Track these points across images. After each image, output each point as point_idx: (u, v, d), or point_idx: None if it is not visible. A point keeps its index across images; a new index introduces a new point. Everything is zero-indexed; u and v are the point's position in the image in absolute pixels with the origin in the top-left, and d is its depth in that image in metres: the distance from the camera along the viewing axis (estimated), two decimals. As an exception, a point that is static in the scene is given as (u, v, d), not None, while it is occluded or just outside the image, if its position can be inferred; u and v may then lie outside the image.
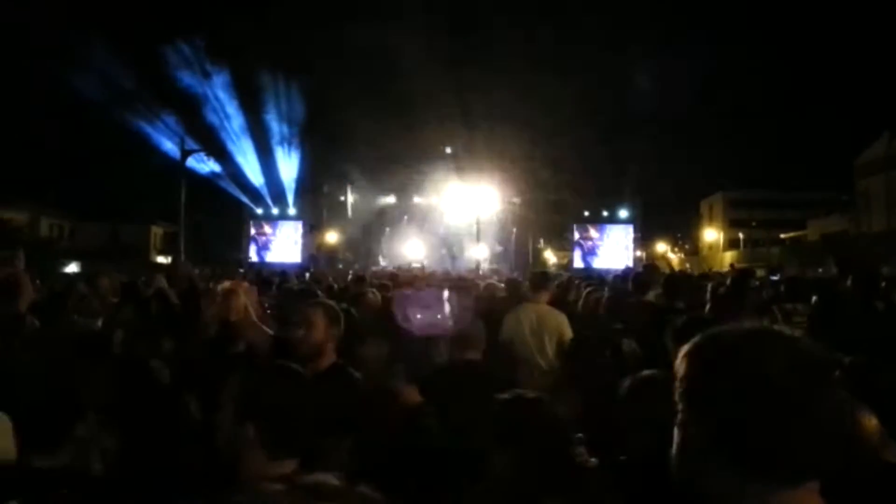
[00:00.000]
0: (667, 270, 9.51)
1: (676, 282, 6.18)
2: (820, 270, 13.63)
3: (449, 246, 34.42)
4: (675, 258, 63.47)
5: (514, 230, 33.96)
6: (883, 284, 6.28)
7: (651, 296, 6.37)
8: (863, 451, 1.81)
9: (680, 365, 1.13)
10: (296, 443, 1.89)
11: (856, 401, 1.89)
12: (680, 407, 1.12)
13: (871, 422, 1.91)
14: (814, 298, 5.46)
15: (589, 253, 32.01)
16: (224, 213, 36.41)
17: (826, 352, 1.09)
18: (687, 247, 72.03)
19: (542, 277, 6.32)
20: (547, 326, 5.52)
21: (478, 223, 32.23)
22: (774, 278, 7.40)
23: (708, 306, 5.40)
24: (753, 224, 63.55)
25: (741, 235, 61.02)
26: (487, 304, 7.30)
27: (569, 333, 5.48)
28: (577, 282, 9.44)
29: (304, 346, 3.16)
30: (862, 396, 2.16)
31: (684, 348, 1.14)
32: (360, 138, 30.49)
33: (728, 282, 6.48)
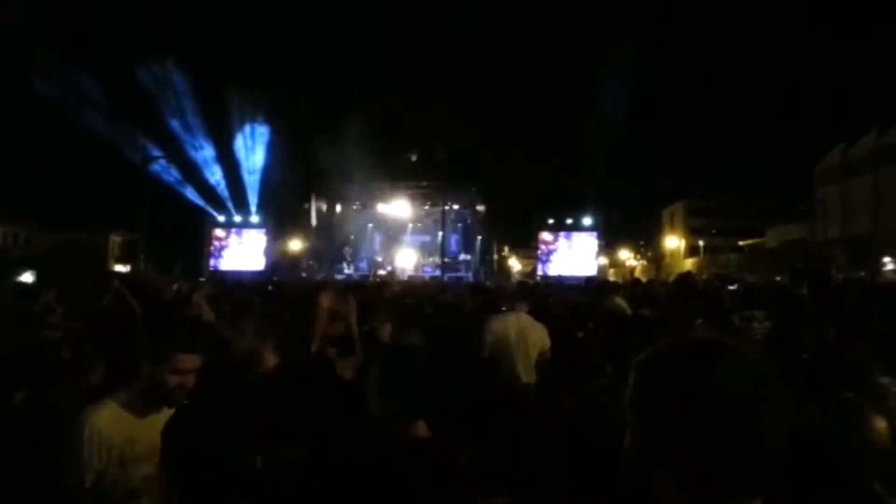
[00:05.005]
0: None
1: (640, 289, 6.25)
2: (778, 278, 13.89)
3: (413, 254, 34.29)
4: (637, 265, 64.31)
5: (479, 238, 33.98)
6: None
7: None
8: (879, 458, 1.77)
9: (630, 373, 1.14)
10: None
11: (867, 406, 1.86)
12: (628, 413, 1.12)
13: (880, 423, 1.85)
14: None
15: (554, 261, 32.20)
16: (185, 221, 35.88)
17: (773, 366, 1.08)
18: (650, 254, 73.00)
19: (525, 287, 6.49)
20: (531, 337, 5.56)
21: (443, 231, 32.23)
22: (732, 287, 7.45)
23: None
24: (713, 231, 64.81)
25: (701, 243, 62.09)
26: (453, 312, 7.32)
27: (549, 344, 5.56)
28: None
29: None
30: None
31: (637, 357, 1.14)
32: (323, 146, 30.26)
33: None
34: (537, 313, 6.15)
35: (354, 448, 2.51)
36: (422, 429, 2.39)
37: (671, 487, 1.04)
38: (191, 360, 2.59)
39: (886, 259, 29.35)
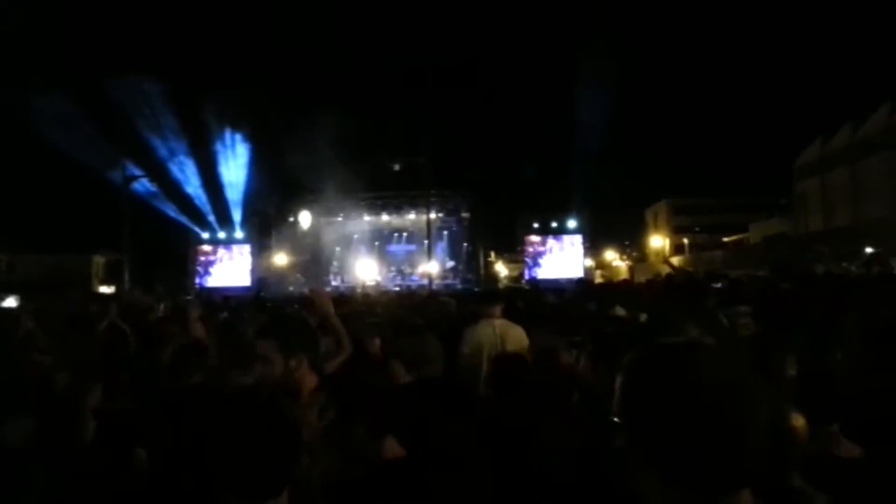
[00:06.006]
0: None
1: (613, 290, 6.32)
2: (762, 273, 14.06)
3: (399, 263, 34.27)
4: (623, 265, 64.57)
5: (465, 245, 34.02)
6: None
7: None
8: (792, 451, 1.87)
9: (617, 375, 1.18)
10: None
11: (785, 404, 1.96)
12: (615, 415, 1.16)
13: (798, 422, 1.97)
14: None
15: (541, 264, 32.29)
16: (169, 239, 35.67)
17: (750, 364, 1.13)
18: (634, 254, 73.31)
19: (492, 293, 6.57)
20: (508, 339, 5.56)
21: (429, 239, 32.27)
22: (717, 286, 7.46)
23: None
24: (697, 229, 65.41)
25: (686, 241, 62.50)
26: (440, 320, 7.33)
27: (527, 344, 5.57)
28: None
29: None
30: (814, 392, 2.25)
31: (623, 360, 1.19)
32: (306, 158, 30.23)
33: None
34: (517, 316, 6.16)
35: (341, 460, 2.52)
36: (392, 446, 2.38)
37: (657, 486, 1.08)
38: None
39: (868, 250, 29.62)
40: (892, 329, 2.61)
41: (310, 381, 2.75)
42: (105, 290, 40.18)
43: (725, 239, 61.07)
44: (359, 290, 24.93)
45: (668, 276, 9.28)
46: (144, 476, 2.93)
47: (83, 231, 52.21)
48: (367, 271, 32.97)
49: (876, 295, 6.22)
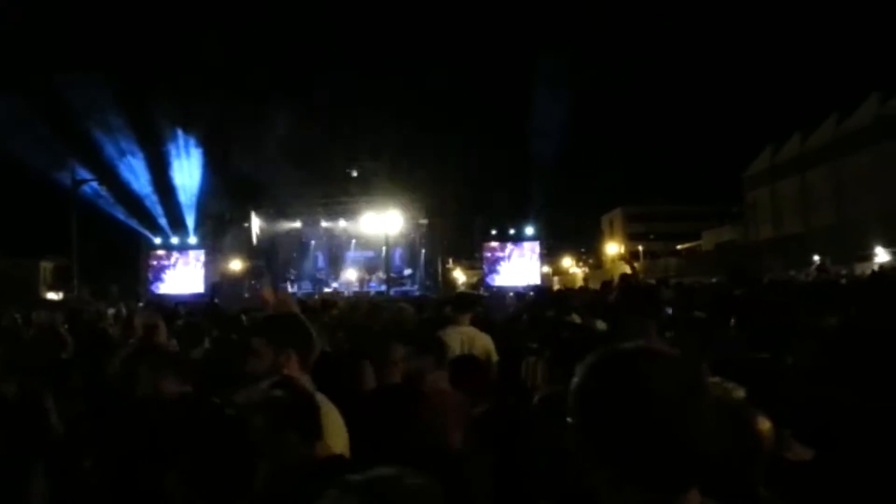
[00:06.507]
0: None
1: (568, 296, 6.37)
2: (714, 280, 14.35)
3: (357, 270, 34.04)
4: (579, 272, 65.37)
5: (423, 251, 33.95)
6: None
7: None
8: (757, 453, 1.89)
9: (574, 379, 1.22)
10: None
11: (749, 406, 1.97)
12: (571, 416, 1.20)
13: (764, 425, 1.99)
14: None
15: (499, 271, 32.40)
16: (119, 244, 34.85)
17: (700, 368, 1.16)
18: (591, 261, 74.25)
19: (465, 299, 6.51)
20: (475, 347, 5.51)
21: (386, 246, 32.12)
22: (669, 311, 6.96)
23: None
24: (651, 237, 66.57)
25: (641, 248, 63.56)
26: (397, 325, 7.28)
27: (495, 355, 5.55)
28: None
29: None
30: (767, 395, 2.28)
31: (580, 364, 1.23)
32: (262, 163, 29.83)
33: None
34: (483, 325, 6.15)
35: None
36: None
37: (612, 484, 1.12)
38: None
39: (816, 258, 30.47)
40: (843, 336, 2.67)
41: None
42: (53, 295, 39.14)
43: (679, 246, 62.32)
44: (316, 297, 24.71)
45: (623, 277, 9.33)
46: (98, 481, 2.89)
47: (29, 235, 50.68)
48: (323, 278, 32.68)
49: (823, 301, 6.39)
